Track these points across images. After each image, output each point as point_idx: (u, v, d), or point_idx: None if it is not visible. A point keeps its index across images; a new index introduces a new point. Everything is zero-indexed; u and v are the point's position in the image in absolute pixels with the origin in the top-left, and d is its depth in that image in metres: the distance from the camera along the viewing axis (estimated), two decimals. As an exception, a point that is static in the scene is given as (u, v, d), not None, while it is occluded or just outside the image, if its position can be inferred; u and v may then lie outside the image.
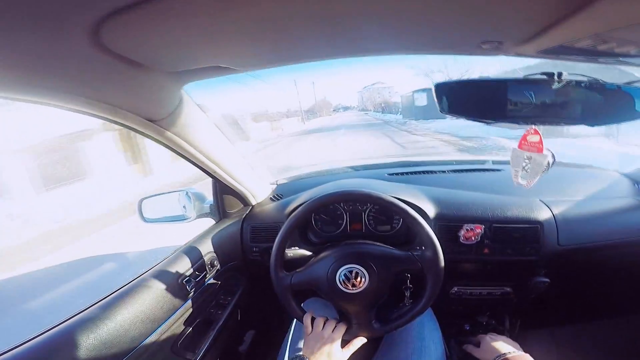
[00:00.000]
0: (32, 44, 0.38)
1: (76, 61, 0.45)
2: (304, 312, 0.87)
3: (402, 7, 0.42)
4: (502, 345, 0.87)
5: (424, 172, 1.35)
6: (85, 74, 0.49)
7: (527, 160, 0.70)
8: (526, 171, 0.71)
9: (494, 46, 0.55)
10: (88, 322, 0.74)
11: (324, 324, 0.83)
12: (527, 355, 0.81)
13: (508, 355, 0.82)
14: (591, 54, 0.58)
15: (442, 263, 0.81)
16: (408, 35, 0.52)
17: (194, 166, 0.97)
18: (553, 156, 0.68)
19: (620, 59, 0.62)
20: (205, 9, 0.38)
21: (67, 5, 0.33)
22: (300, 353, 0.78)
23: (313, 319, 0.85)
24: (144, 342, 0.82)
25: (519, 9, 0.43)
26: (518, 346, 0.89)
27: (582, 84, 0.62)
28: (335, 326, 0.82)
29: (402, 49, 0.58)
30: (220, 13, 0.39)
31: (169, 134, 0.76)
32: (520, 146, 0.71)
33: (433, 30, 0.51)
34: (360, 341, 0.82)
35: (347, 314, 0.85)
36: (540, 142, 0.68)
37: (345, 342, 0.82)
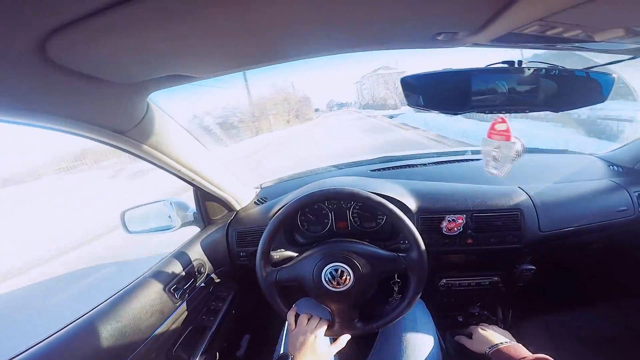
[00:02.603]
0: None
1: (26, 79, 0.45)
2: (289, 309, 0.87)
3: (355, 5, 0.43)
4: (494, 335, 0.88)
5: (405, 166, 1.37)
6: (39, 91, 0.49)
7: (496, 149, 0.71)
8: (496, 160, 0.73)
9: (449, 37, 0.56)
10: (76, 335, 0.75)
11: (308, 320, 0.84)
12: (519, 344, 0.82)
13: (500, 346, 0.82)
14: (545, 41, 0.59)
15: (427, 265, 0.81)
16: (362, 32, 0.53)
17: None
18: (522, 145, 0.69)
19: (576, 44, 0.64)
20: (155, 19, 0.38)
21: (4, 23, 0.33)
22: (286, 351, 0.79)
23: (297, 317, 0.85)
24: (135, 352, 0.82)
25: None
26: (509, 335, 0.90)
27: (544, 71, 0.64)
28: (318, 323, 0.83)
29: (357, 46, 0.59)
30: (171, 23, 0.40)
31: (139, 144, 0.76)
32: (489, 135, 0.72)
33: (387, 26, 0.51)
34: (345, 339, 0.82)
35: (332, 311, 0.86)
36: (508, 130, 0.69)
37: (332, 340, 0.83)
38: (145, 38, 0.43)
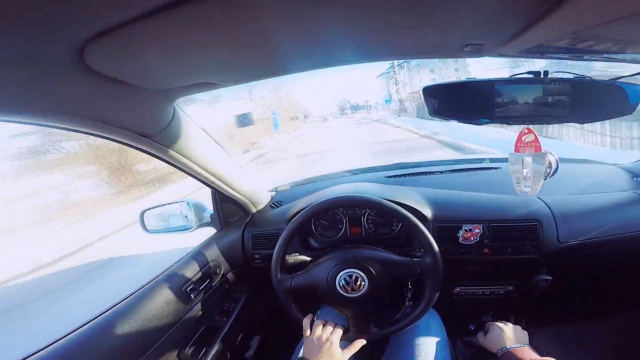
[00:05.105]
0: (18, 67, 0.39)
1: (63, 82, 0.46)
2: (304, 315, 0.88)
3: (387, 16, 0.43)
4: (508, 336, 0.86)
5: (421, 173, 1.36)
6: (73, 94, 0.51)
7: (527, 164, 0.68)
8: (527, 177, 0.69)
9: (476, 48, 0.56)
10: (94, 332, 0.77)
11: (323, 326, 0.84)
12: (528, 347, 0.81)
13: (510, 349, 0.81)
14: (574, 52, 0.59)
15: (441, 269, 0.82)
16: (392, 42, 0.54)
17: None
18: (556, 159, 0.67)
19: (605, 55, 0.63)
20: (187, 30, 0.39)
21: (48, 29, 0.34)
22: (301, 355, 0.79)
23: (313, 322, 0.86)
24: (151, 351, 0.84)
25: (497, 12, 0.44)
26: (526, 336, 0.88)
27: (570, 82, 0.62)
28: (334, 329, 0.83)
29: (386, 56, 0.60)
30: (202, 34, 0.41)
31: (164, 148, 0.78)
32: (517, 149, 0.70)
33: (414, 37, 0.52)
34: (359, 343, 0.83)
35: (346, 317, 0.86)
36: (536, 140, 0.67)
37: (345, 345, 0.83)
38: (177, 47, 0.44)
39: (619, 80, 0.64)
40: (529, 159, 0.66)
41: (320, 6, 0.38)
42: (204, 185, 1.03)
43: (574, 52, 0.58)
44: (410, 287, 0.90)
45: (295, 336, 1.02)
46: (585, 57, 0.66)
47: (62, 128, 0.55)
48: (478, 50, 0.57)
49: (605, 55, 0.64)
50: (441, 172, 1.35)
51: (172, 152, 0.80)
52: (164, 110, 0.71)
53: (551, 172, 0.66)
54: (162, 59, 0.47)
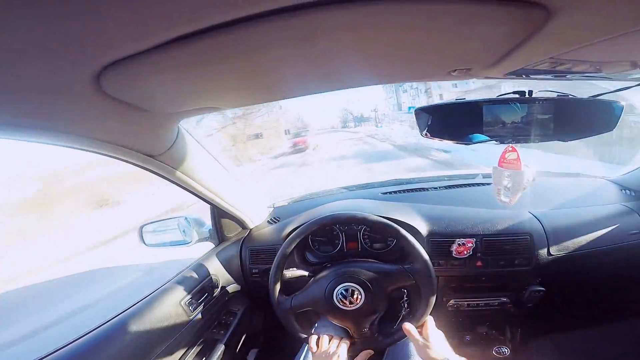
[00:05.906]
0: (37, 89, 0.42)
1: (78, 105, 0.49)
2: (307, 333, 0.89)
3: (381, 46, 0.46)
4: (435, 350, 0.75)
5: (416, 189, 1.38)
6: (87, 116, 0.53)
7: (507, 178, 0.73)
8: (508, 188, 0.74)
9: (463, 73, 0.59)
10: (92, 344, 0.77)
11: (329, 341, 0.85)
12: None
13: None
14: (554, 73, 0.62)
15: (433, 273, 0.85)
16: (384, 68, 0.57)
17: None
18: (534, 173, 0.70)
19: (585, 75, 0.66)
20: (198, 60, 0.42)
21: (69, 56, 0.36)
22: None
23: (319, 339, 0.87)
24: None
25: (481, 40, 0.48)
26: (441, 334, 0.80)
27: (554, 101, 0.66)
28: (340, 342, 0.84)
29: (378, 80, 0.63)
30: (212, 64, 0.43)
31: (168, 167, 0.81)
32: (500, 164, 0.74)
33: (407, 64, 0.55)
34: (367, 354, 0.84)
35: (349, 329, 0.88)
36: (518, 158, 0.71)
37: (352, 357, 0.84)
38: (188, 76, 0.47)
39: (600, 97, 0.67)
40: (510, 175, 0.70)
41: (319, 41, 0.41)
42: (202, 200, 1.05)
43: (555, 73, 0.62)
44: (406, 298, 0.92)
45: (292, 349, 1.03)
46: (567, 77, 0.70)
47: (72, 148, 0.58)
48: (465, 74, 0.60)
49: (585, 75, 0.68)
50: (435, 189, 1.37)
51: (174, 171, 0.83)
52: (170, 131, 0.75)
53: (528, 185, 0.70)
54: (173, 86, 0.50)
